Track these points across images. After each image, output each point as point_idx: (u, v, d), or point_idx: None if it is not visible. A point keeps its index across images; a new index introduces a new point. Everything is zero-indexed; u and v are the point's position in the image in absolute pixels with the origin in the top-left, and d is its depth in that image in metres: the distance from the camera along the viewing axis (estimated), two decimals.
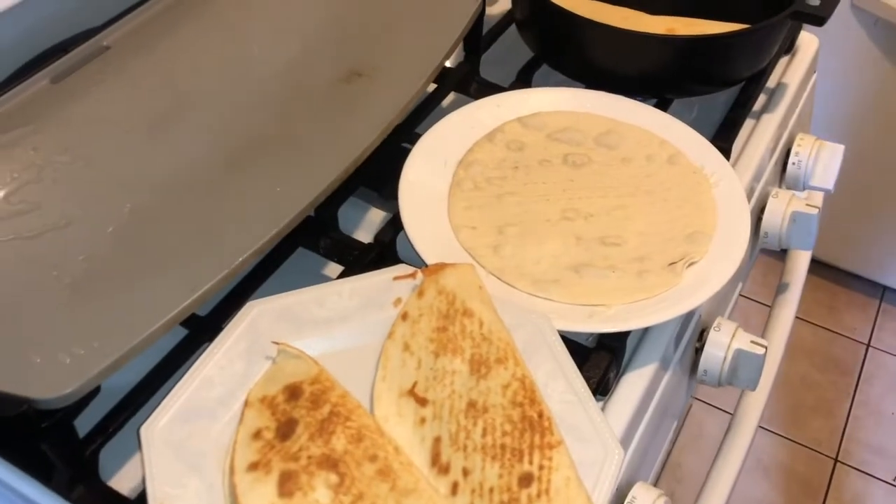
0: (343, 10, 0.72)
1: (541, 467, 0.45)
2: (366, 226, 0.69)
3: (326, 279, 0.63)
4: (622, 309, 0.56)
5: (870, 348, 1.75)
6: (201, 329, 0.55)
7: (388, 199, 0.63)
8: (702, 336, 0.66)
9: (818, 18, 0.70)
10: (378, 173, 0.65)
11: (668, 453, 1.44)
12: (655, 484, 0.68)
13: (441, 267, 0.55)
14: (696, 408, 1.54)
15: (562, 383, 0.50)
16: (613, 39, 0.71)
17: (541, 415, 0.47)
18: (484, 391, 0.49)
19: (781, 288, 0.86)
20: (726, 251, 0.59)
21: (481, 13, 0.73)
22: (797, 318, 1.89)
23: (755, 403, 0.81)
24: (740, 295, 1.58)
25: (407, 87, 0.64)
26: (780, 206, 0.75)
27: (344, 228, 0.65)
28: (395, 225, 0.62)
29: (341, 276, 0.60)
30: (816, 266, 1.80)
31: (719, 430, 0.81)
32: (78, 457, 0.48)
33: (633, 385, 0.58)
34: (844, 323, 1.78)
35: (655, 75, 0.73)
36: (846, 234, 1.69)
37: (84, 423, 0.50)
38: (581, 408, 0.49)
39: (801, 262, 0.87)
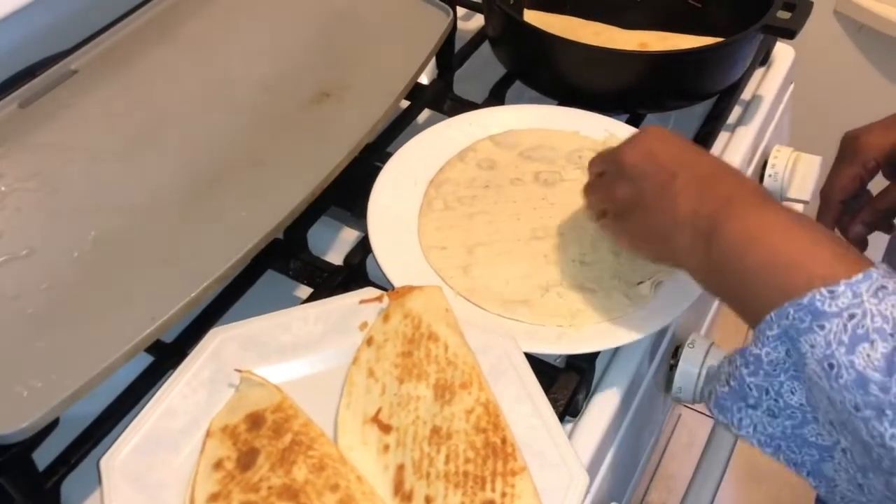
0: (312, 31, 0.71)
1: (503, 494, 0.45)
2: (338, 246, 0.68)
3: (297, 301, 0.63)
4: (591, 329, 0.56)
5: None
6: (167, 355, 0.55)
7: (360, 218, 0.63)
8: (676, 352, 0.65)
9: (789, 31, 0.70)
10: (350, 192, 0.65)
11: (658, 463, 1.43)
12: (645, 494, 0.68)
13: (408, 290, 0.55)
14: (687, 416, 1.54)
15: (528, 407, 0.50)
16: (585, 56, 0.71)
17: (504, 440, 0.47)
18: (448, 417, 0.48)
19: None
20: None
21: (452, 30, 0.73)
22: None
23: None
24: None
25: (376, 107, 0.64)
26: None
27: (316, 248, 0.65)
28: (365, 245, 0.62)
29: (310, 298, 0.60)
30: None
31: None
32: (38, 490, 0.48)
33: (603, 405, 0.57)
34: None
35: (628, 91, 0.73)
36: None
37: (46, 454, 0.49)
38: (546, 433, 0.48)
39: None
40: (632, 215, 0.53)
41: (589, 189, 0.59)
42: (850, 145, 0.66)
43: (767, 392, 0.43)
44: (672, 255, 0.50)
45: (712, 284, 0.49)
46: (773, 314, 0.41)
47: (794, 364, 0.42)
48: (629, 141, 0.54)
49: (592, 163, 0.58)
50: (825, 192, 0.69)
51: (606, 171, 0.56)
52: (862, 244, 0.70)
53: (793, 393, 0.43)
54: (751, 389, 0.44)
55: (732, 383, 0.44)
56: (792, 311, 0.40)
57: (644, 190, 0.51)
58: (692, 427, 1.54)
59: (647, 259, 0.56)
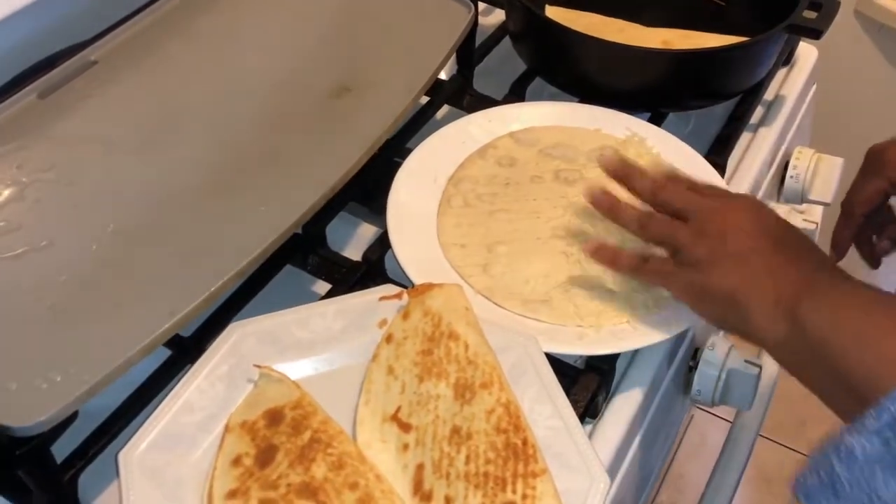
0: (333, 25, 0.71)
1: (524, 496, 0.44)
2: (356, 242, 0.68)
3: (315, 297, 0.62)
4: (612, 330, 0.55)
5: None
6: (185, 350, 0.55)
7: (380, 214, 0.63)
8: (695, 355, 0.65)
9: (815, 32, 0.69)
10: (369, 188, 0.65)
11: (670, 464, 1.43)
12: (656, 495, 0.68)
13: (428, 287, 0.54)
14: (699, 417, 1.53)
15: (548, 408, 0.49)
16: (608, 53, 0.70)
17: (525, 442, 0.46)
18: (468, 417, 0.48)
19: None
20: None
21: (474, 26, 0.73)
22: None
23: (755, 413, 0.80)
24: None
25: (396, 103, 0.64)
26: None
27: (334, 244, 0.64)
28: (384, 242, 0.61)
29: (328, 294, 0.59)
30: None
31: (722, 439, 0.80)
32: (56, 482, 0.48)
33: (623, 407, 0.57)
34: None
35: (650, 89, 0.72)
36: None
37: (64, 447, 0.49)
38: (567, 434, 0.48)
39: None
40: (704, 269, 0.51)
41: (657, 223, 0.54)
42: (875, 158, 0.66)
43: (860, 484, 0.41)
44: (743, 319, 0.49)
45: (795, 360, 0.47)
46: (875, 409, 0.39)
47: (893, 457, 0.40)
48: (724, 197, 0.54)
49: (662, 187, 0.55)
50: (847, 203, 0.68)
51: (689, 214, 0.53)
52: (877, 263, 0.70)
53: (887, 486, 0.40)
54: (842, 483, 0.41)
55: (822, 475, 0.42)
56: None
57: (727, 245, 0.50)
58: (704, 428, 1.53)
59: (707, 320, 0.53)
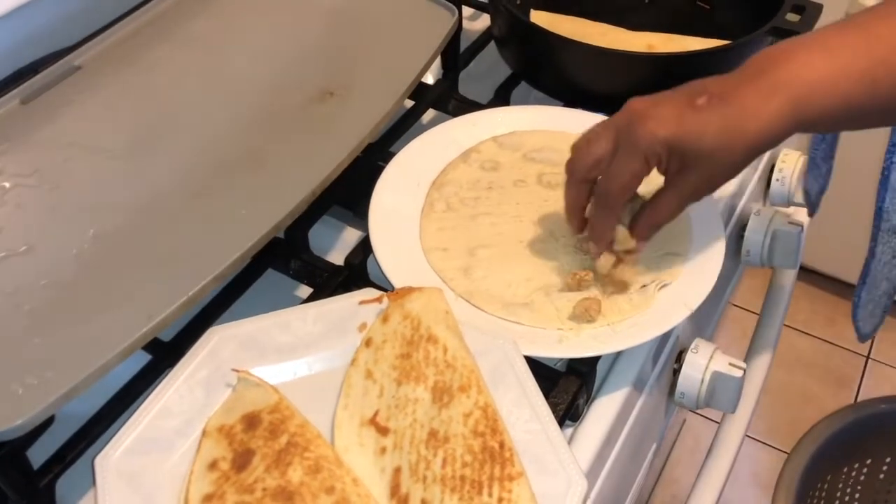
0: (317, 30, 0.71)
1: (500, 500, 0.44)
2: (339, 245, 0.68)
3: (297, 300, 0.62)
4: (592, 333, 0.55)
5: (870, 360, 1.73)
6: (165, 354, 0.55)
7: (362, 218, 0.63)
8: (680, 357, 0.65)
9: (797, 34, 0.69)
10: (352, 192, 0.65)
11: (662, 468, 1.42)
12: (648, 499, 0.68)
13: (407, 291, 0.54)
14: (692, 421, 1.53)
15: (527, 412, 0.49)
16: (591, 58, 0.70)
17: (502, 445, 0.46)
18: (446, 420, 0.48)
19: (766, 306, 0.84)
20: (700, 274, 0.58)
21: (458, 30, 0.73)
22: (797, 330, 1.86)
23: (741, 415, 0.80)
24: (734, 305, 1.55)
25: (379, 107, 0.64)
26: (762, 224, 0.74)
27: (317, 248, 0.64)
28: (367, 246, 0.61)
29: (310, 298, 0.59)
30: (815, 277, 1.78)
31: None
32: (32, 488, 0.48)
33: (604, 410, 0.57)
34: (844, 335, 1.76)
35: (634, 93, 0.71)
36: (845, 244, 1.67)
37: (41, 452, 0.49)
38: (545, 437, 0.48)
39: (786, 278, 0.86)
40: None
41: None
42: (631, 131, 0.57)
43: None
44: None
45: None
46: None
47: None
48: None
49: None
50: (605, 194, 0.56)
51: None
52: None
53: None
54: None
55: None
56: None
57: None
58: (697, 432, 1.53)
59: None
